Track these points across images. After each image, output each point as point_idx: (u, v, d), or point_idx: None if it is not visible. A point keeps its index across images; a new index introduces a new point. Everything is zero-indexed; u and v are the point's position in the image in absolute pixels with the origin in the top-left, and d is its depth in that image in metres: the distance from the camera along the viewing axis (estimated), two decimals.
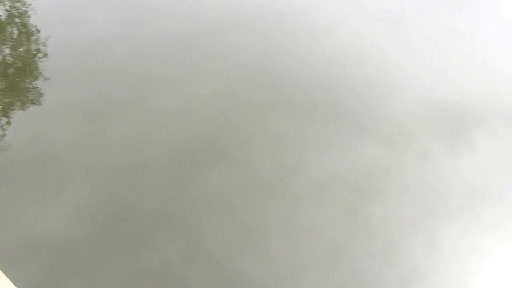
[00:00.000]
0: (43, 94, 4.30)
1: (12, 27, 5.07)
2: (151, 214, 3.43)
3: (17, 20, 5.15)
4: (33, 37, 4.98)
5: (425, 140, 4.35)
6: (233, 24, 5.70)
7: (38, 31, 5.06)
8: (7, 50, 4.75)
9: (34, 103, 4.20)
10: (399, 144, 4.29)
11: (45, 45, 4.91)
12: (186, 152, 3.94)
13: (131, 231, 3.28)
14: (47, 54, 4.78)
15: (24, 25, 5.10)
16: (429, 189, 3.87)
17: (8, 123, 3.98)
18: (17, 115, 4.07)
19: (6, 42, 4.87)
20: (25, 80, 4.44)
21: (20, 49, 4.82)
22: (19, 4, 5.36)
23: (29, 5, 5.37)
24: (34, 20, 5.20)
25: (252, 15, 5.98)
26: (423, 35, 5.90)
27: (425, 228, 3.55)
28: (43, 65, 4.64)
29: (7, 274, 2.99)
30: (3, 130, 3.89)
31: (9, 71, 4.52)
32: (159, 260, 3.14)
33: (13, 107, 4.14)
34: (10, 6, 5.33)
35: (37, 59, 4.72)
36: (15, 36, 4.96)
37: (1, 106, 4.11)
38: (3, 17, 5.17)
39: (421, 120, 4.58)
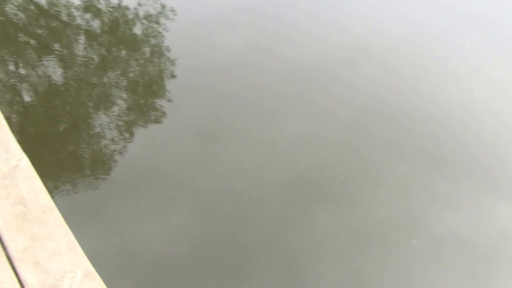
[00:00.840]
0: (164, 113, 4.37)
1: (145, 46, 5.27)
2: (254, 245, 3.29)
3: (151, 40, 5.35)
4: (163, 58, 5.13)
5: None
6: (365, 54, 5.43)
7: (169, 50, 5.21)
8: (138, 68, 4.95)
9: (154, 122, 4.27)
10: None
11: (173, 65, 5.03)
12: (300, 186, 3.78)
13: (230, 258, 3.18)
14: (174, 75, 4.90)
15: (157, 45, 5.28)
16: None
17: (126, 139, 4.08)
18: (136, 132, 4.16)
19: (138, 60, 5.07)
20: (149, 99, 4.57)
21: (150, 68, 4.98)
22: (155, 24, 5.57)
23: (164, 25, 5.56)
24: (165, 39, 5.36)
25: (385, 46, 5.66)
26: None
27: None
28: (169, 85, 4.75)
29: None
30: (119, 145, 4.00)
31: (137, 90, 4.69)
32: None
33: (134, 125, 4.25)
34: (147, 25, 5.56)
35: (164, 79, 4.85)
36: (147, 55, 5.15)
37: (123, 123, 4.24)
38: (139, 35, 5.41)
39: None
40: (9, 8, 5.88)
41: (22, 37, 5.41)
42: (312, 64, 5.25)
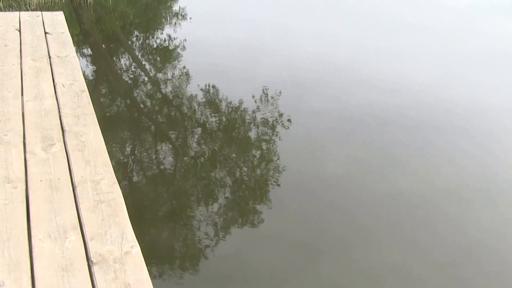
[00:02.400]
0: (262, 219, 4.16)
1: (257, 149, 5.22)
2: None
3: (264, 144, 5.31)
4: (272, 164, 5.03)
5: None
6: (478, 193, 4.91)
7: (278, 158, 5.10)
8: (245, 170, 4.86)
9: (251, 225, 4.06)
10: None
11: (280, 173, 4.89)
12: None
13: None
14: (279, 183, 4.73)
15: (268, 150, 5.22)
16: None
17: (220, 237, 3.87)
18: (231, 231, 3.95)
19: (247, 162, 5.00)
20: (251, 202, 4.41)
21: (257, 172, 4.88)
22: (270, 130, 5.57)
23: (278, 132, 5.53)
24: (277, 146, 5.29)
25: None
26: None
27: None
28: (272, 192, 4.58)
29: None
30: (212, 241, 3.78)
31: (240, 191, 4.57)
32: None
33: (231, 224, 4.06)
34: (262, 130, 5.56)
35: (268, 185, 4.71)
36: (256, 159, 5.08)
37: (221, 221, 4.07)
38: (253, 138, 5.40)
39: None
40: (138, 94, 6.26)
41: (145, 122, 5.64)
42: (419, 192, 4.84)
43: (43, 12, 5.57)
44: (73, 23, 8.24)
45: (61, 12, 5.60)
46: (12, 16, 5.45)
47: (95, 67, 6.75)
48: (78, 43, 7.41)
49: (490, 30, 10.02)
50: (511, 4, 12.62)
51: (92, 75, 6.35)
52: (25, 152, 2.89)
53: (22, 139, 3.04)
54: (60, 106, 3.43)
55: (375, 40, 8.80)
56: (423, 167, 5.25)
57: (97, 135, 3.09)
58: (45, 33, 4.96)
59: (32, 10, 8.19)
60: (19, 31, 5.03)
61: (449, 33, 9.48)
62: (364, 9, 10.72)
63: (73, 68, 4.08)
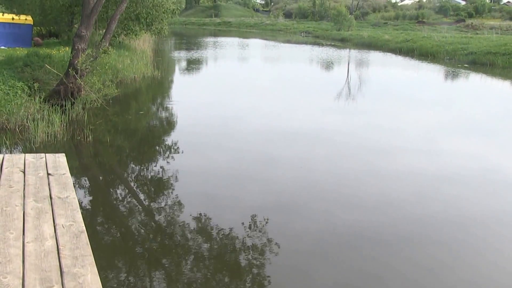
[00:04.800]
0: None
1: (248, 275, 5.38)
2: None
3: (254, 270, 5.49)
4: None
5: None
6: None
7: (269, 283, 5.24)
8: None
9: None
10: None
11: None
12: None
13: None
14: None
15: (258, 276, 5.38)
16: None
17: None
18: None
19: None
20: None
21: None
22: (259, 255, 5.77)
23: (267, 258, 5.71)
24: (267, 272, 5.45)
25: None
26: None
27: None
28: None
29: None
30: None
31: None
32: None
33: None
34: (251, 255, 5.76)
35: None
36: (248, 286, 5.22)
37: None
38: (243, 265, 5.58)
39: None
40: (131, 223, 6.55)
41: (139, 250, 5.86)
42: None
43: (47, 154, 6.08)
44: (73, 159, 8.79)
45: (63, 154, 6.11)
46: (17, 158, 5.94)
47: (93, 205, 7.15)
48: (78, 181, 7.88)
49: (460, 148, 10.72)
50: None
51: (91, 214, 6.73)
52: None
53: (21, 281, 3.26)
54: (59, 247, 3.71)
55: (351, 161, 9.38)
56: None
57: (94, 277, 3.33)
58: (48, 174, 5.39)
59: (36, 147, 8.79)
60: (24, 172, 5.47)
61: (422, 152, 10.13)
62: (341, 136, 11.51)
63: (72, 209, 4.44)
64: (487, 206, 7.41)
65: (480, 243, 6.34)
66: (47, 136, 9.42)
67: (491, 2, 78.54)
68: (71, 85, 11.56)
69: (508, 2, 79.46)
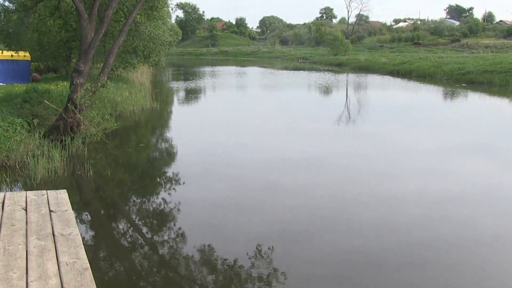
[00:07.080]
0: None
1: None
2: None
3: None
4: None
5: None
6: None
7: None
8: None
9: None
10: None
11: None
12: None
13: None
14: None
15: None
16: None
17: None
18: None
19: None
20: None
21: None
22: (266, 286, 5.69)
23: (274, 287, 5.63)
24: None
25: None
26: None
27: None
28: None
29: None
30: None
31: None
32: None
33: None
34: (258, 286, 5.68)
35: None
36: None
37: None
38: None
39: None
40: (135, 257, 6.48)
41: (143, 285, 5.78)
42: None
43: (48, 191, 6.05)
44: (75, 194, 8.76)
45: (65, 191, 6.09)
46: (19, 196, 5.91)
47: (96, 240, 7.08)
48: (80, 217, 7.82)
49: (466, 170, 10.68)
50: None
51: (94, 249, 6.65)
52: None
53: None
54: (64, 285, 3.66)
55: (354, 186, 9.34)
56: None
57: None
58: (50, 211, 5.36)
59: (36, 183, 8.76)
60: (26, 210, 5.44)
61: (425, 175, 10.09)
62: (343, 160, 11.50)
63: (76, 246, 4.39)
64: (495, 228, 7.34)
65: (488, 265, 6.26)
66: (48, 172, 9.41)
67: (484, 21, 79.82)
68: (70, 120, 11.62)
69: (501, 21, 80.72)
